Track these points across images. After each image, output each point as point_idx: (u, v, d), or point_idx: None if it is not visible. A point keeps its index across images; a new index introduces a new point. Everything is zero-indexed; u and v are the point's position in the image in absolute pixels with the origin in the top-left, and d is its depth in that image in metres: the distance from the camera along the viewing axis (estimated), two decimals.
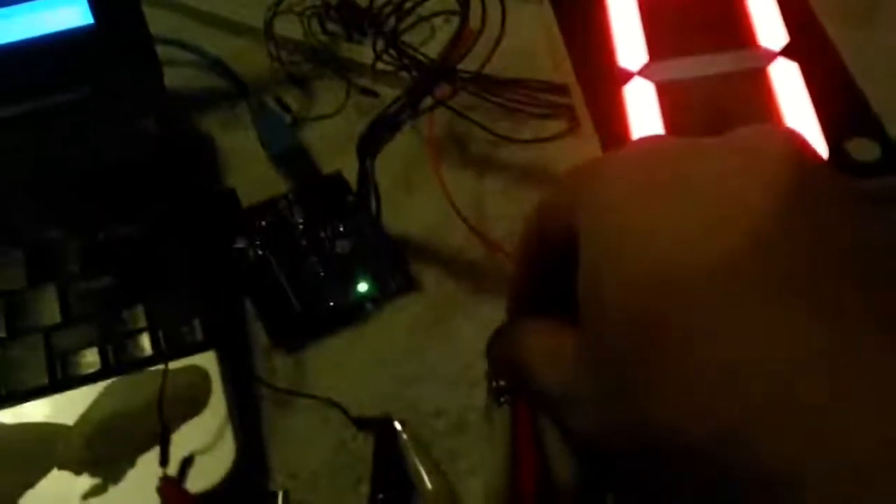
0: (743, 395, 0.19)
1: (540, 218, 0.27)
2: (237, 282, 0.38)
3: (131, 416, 0.33)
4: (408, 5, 0.36)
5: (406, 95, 0.34)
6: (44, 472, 0.32)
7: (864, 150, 0.37)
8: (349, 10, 0.46)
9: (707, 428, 0.19)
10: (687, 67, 0.40)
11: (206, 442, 0.33)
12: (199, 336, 0.35)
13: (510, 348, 0.28)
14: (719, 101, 0.39)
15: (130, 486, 0.32)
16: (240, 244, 0.39)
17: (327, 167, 0.42)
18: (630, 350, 0.21)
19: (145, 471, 0.32)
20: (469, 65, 0.36)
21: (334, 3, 0.47)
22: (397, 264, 0.39)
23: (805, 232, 0.20)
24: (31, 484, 0.32)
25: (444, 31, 0.45)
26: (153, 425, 0.32)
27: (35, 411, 0.34)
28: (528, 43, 0.45)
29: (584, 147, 0.40)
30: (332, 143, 0.43)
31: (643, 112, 0.38)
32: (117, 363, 0.35)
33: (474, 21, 0.34)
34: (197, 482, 0.32)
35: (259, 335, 0.37)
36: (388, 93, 0.44)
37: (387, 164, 0.39)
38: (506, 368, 0.30)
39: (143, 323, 0.36)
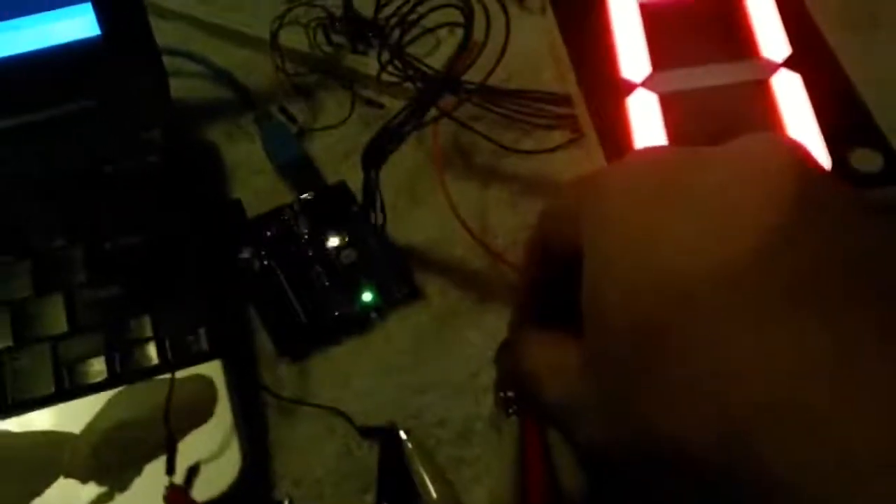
0: (745, 402, 0.19)
1: (542, 229, 0.27)
2: (243, 291, 0.39)
3: (138, 425, 0.33)
4: (412, 17, 0.36)
5: (411, 106, 0.34)
6: (50, 480, 0.32)
7: (866, 160, 0.37)
8: (354, 22, 0.47)
9: (709, 435, 0.19)
10: (690, 78, 0.40)
11: (212, 450, 0.33)
12: (205, 345, 0.35)
13: (515, 359, 0.28)
14: (722, 111, 0.39)
15: (137, 494, 0.32)
16: (245, 254, 0.39)
17: (332, 177, 0.43)
18: (632, 359, 0.21)
19: (152, 479, 0.32)
20: (473, 76, 0.37)
21: (339, 15, 0.47)
22: (402, 274, 0.39)
23: (807, 241, 0.20)
24: (37, 492, 0.32)
25: (449, 43, 0.46)
26: (159, 434, 0.32)
27: (42, 420, 0.34)
28: (531, 54, 0.45)
29: (588, 157, 0.40)
30: (336, 153, 0.44)
31: (646, 123, 0.38)
32: (124, 372, 0.35)
33: (478, 32, 0.35)
34: (203, 491, 0.32)
35: (264, 344, 0.37)
36: (393, 104, 0.45)
37: (391, 175, 0.39)
38: (513, 379, 0.30)
39: (149, 332, 0.36)
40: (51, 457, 0.33)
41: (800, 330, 0.19)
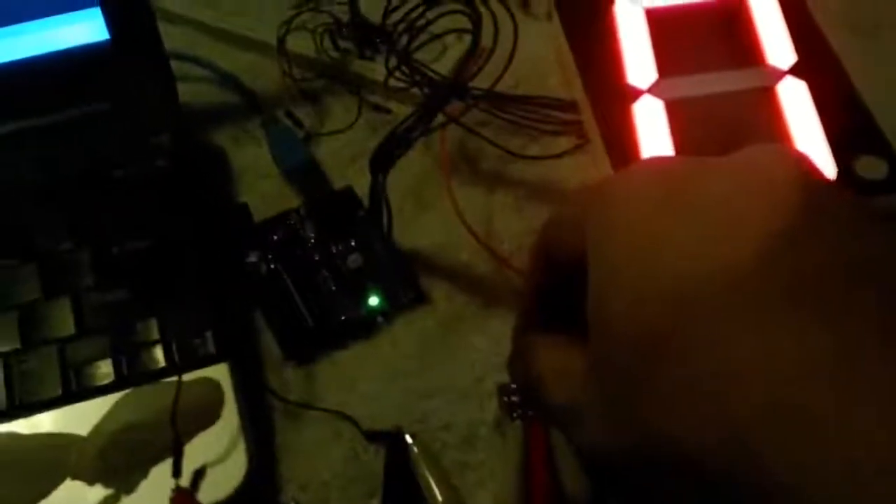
0: (745, 403, 0.19)
1: (547, 236, 0.27)
2: (249, 295, 0.39)
3: (144, 428, 0.33)
4: (420, 23, 0.37)
5: (419, 112, 0.34)
6: (57, 482, 0.33)
7: (871, 168, 0.37)
8: (361, 28, 0.47)
9: (709, 436, 0.20)
10: (696, 85, 0.40)
11: (218, 453, 0.33)
12: (212, 348, 0.36)
13: (522, 362, 0.29)
14: (728, 119, 0.39)
15: (143, 496, 0.32)
16: (252, 258, 0.40)
17: (339, 182, 0.43)
18: (635, 365, 0.21)
19: (158, 482, 0.32)
20: (480, 82, 0.37)
21: (346, 20, 0.47)
22: (408, 279, 0.39)
23: (810, 246, 0.20)
24: (44, 494, 0.32)
25: (456, 49, 0.46)
26: (166, 437, 0.32)
27: (49, 422, 0.34)
28: (538, 60, 0.45)
29: (594, 163, 0.41)
30: (343, 158, 0.44)
31: (652, 129, 0.38)
32: (131, 375, 0.35)
33: (486, 39, 0.35)
34: (209, 493, 0.32)
35: (271, 348, 0.38)
36: (400, 109, 0.45)
37: (398, 180, 0.39)
38: (519, 384, 0.31)
39: (156, 335, 0.36)
40: (58, 459, 0.33)
41: (801, 331, 0.19)
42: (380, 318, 0.38)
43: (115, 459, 0.33)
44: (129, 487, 0.32)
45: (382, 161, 0.36)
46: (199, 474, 0.33)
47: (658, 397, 0.21)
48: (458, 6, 0.34)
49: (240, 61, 0.48)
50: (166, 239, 0.39)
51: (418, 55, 0.43)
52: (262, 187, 0.43)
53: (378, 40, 0.47)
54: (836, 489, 0.18)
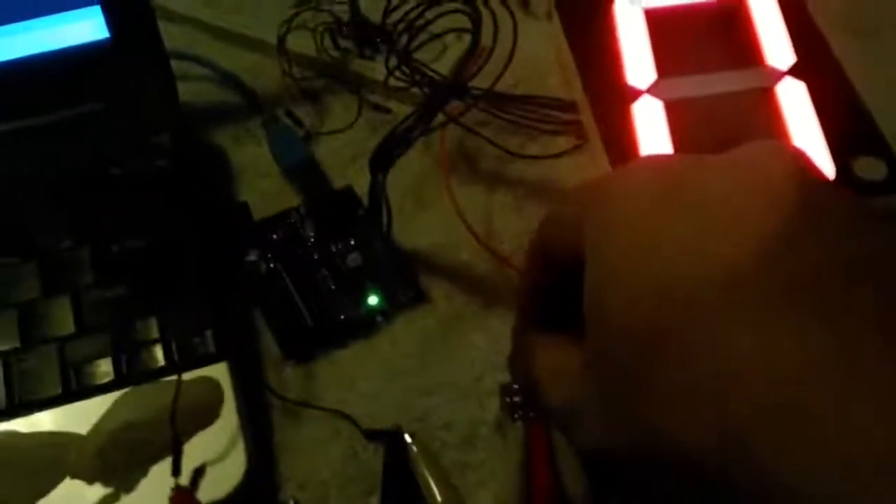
0: (745, 404, 0.19)
1: (544, 234, 0.27)
2: (249, 294, 0.39)
3: (144, 427, 0.33)
4: (420, 23, 0.37)
5: (419, 112, 0.34)
6: (56, 480, 0.33)
7: (870, 168, 0.37)
8: (361, 27, 0.47)
9: (709, 437, 0.20)
10: (695, 86, 0.40)
11: (217, 452, 0.33)
12: (212, 347, 0.36)
13: (521, 362, 0.29)
14: (727, 119, 0.39)
15: (143, 495, 0.32)
16: (252, 257, 0.40)
17: (338, 181, 0.43)
18: (633, 363, 0.21)
19: (157, 481, 0.32)
20: (479, 81, 0.37)
21: (347, 19, 0.47)
22: (407, 278, 0.39)
23: (809, 245, 0.20)
24: (43, 493, 0.32)
25: (456, 48, 0.46)
26: (165, 435, 0.32)
27: (48, 420, 0.34)
28: (537, 60, 0.45)
29: (593, 163, 0.41)
30: (343, 157, 0.44)
31: (651, 129, 0.39)
32: (130, 373, 0.35)
33: (485, 38, 0.35)
34: (209, 492, 0.32)
35: (270, 347, 0.38)
36: (400, 108, 0.45)
37: (398, 179, 0.39)
38: (521, 384, 0.31)
39: (155, 334, 0.36)
40: (57, 457, 0.33)
41: (800, 331, 0.19)
42: (379, 318, 0.38)
43: (114, 458, 0.33)
44: (129, 486, 0.32)
45: (382, 160, 0.36)
46: (198, 473, 0.33)
47: (657, 397, 0.21)
48: (458, 6, 0.34)
49: (240, 60, 0.48)
50: (166, 237, 0.39)
51: (418, 55, 0.43)
52: (262, 186, 0.43)
53: (378, 40, 0.47)
54: (835, 489, 0.18)
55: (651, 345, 0.21)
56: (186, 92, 0.44)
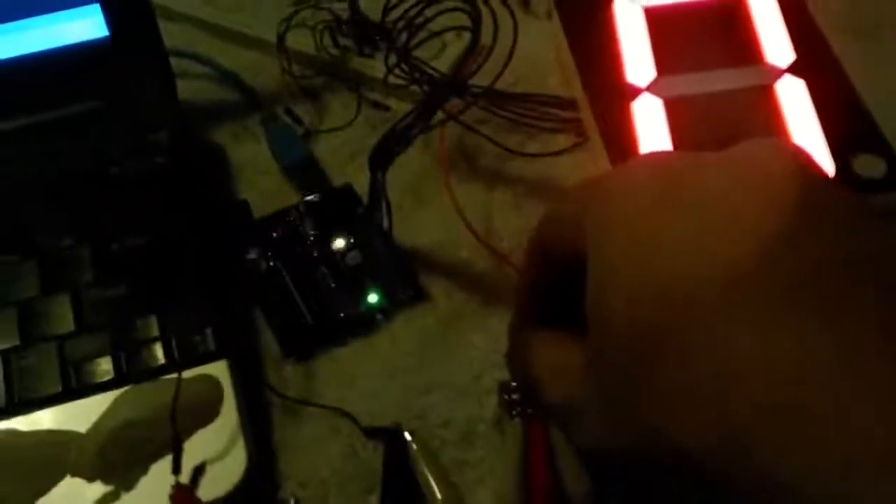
0: (745, 405, 0.19)
1: (543, 233, 0.27)
2: (248, 292, 0.39)
3: (144, 425, 0.33)
4: (419, 21, 0.37)
5: (418, 109, 0.34)
6: (56, 479, 0.33)
7: (869, 166, 0.37)
8: (361, 25, 0.47)
9: (709, 438, 0.20)
10: (695, 83, 0.40)
11: (217, 450, 0.33)
12: (212, 345, 0.36)
13: (520, 359, 0.29)
14: (726, 116, 0.39)
15: (143, 493, 0.32)
16: (251, 255, 0.40)
17: (338, 179, 0.43)
18: (634, 363, 0.21)
19: (158, 479, 0.32)
20: (479, 79, 0.37)
21: (346, 17, 0.47)
22: (407, 276, 0.39)
23: (809, 244, 0.20)
24: (43, 491, 0.32)
25: (455, 46, 0.46)
26: (165, 434, 0.32)
27: (48, 419, 0.34)
28: (537, 58, 0.45)
29: (593, 161, 0.41)
30: (342, 155, 0.44)
31: (651, 127, 0.39)
32: (130, 372, 0.35)
33: (485, 37, 0.35)
34: (209, 490, 0.32)
35: (270, 345, 0.38)
36: (400, 106, 0.45)
37: (397, 177, 0.39)
38: (519, 381, 0.31)
39: (155, 332, 0.36)
40: (57, 456, 0.33)
41: (800, 331, 0.19)
42: (379, 316, 0.38)
43: (114, 456, 0.33)
44: (129, 484, 0.32)
45: (382, 158, 0.36)
46: (198, 471, 0.33)
47: (657, 396, 0.21)
48: (458, 4, 0.34)
49: (239, 58, 0.48)
50: (166, 236, 0.39)
51: (417, 52, 0.43)
52: (262, 184, 0.43)
53: (377, 37, 0.47)
54: (836, 489, 0.18)
55: (651, 345, 0.21)
56: (186, 90, 0.44)
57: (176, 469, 0.32)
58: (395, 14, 0.42)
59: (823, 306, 0.20)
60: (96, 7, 0.41)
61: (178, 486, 0.32)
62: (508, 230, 0.40)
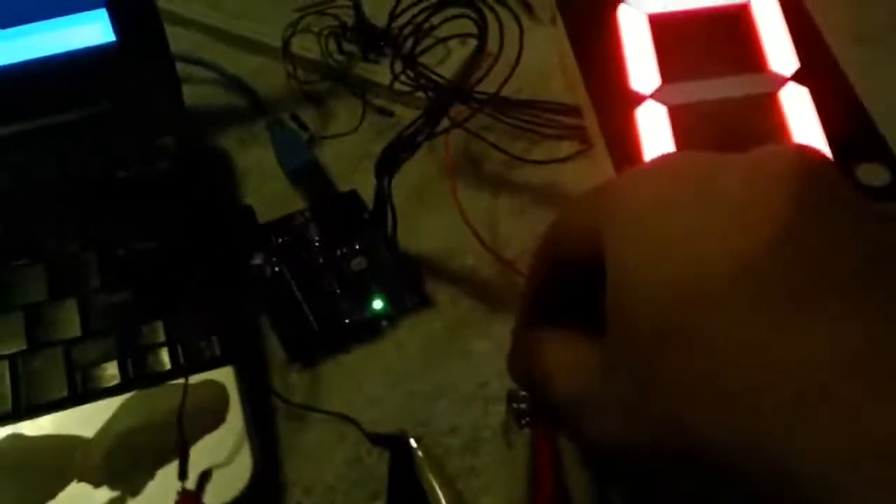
0: (772, 399, 0.19)
1: (556, 234, 0.28)
2: (254, 298, 0.39)
3: (150, 430, 0.33)
4: (425, 27, 0.37)
5: (424, 117, 0.34)
6: (63, 484, 0.33)
7: (873, 175, 0.37)
8: (366, 31, 0.47)
9: (729, 424, 0.20)
10: (699, 91, 0.40)
11: (223, 456, 0.33)
12: (217, 351, 0.36)
13: (526, 359, 0.29)
14: (730, 124, 0.39)
15: (149, 499, 0.32)
16: (257, 260, 0.40)
17: (343, 185, 0.43)
18: (654, 357, 0.22)
19: (164, 484, 0.32)
20: (483, 86, 0.37)
21: (351, 23, 0.47)
22: (412, 282, 0.39)
23: (826, 239, 0.21)
24: (50, 496, 0.32)
25: (459, 53, 0.46)
26: (172, 439, 0.32)
27: (55, 423, 0.34)
28: (542, 65, 0.45)
29: (597, 168, 0.41)
30: (347, 161, 0.44)
31: (655, 134, 0.39)
32: (136, 377, 0.35)
33: (490, 44, 0.35)
34: (215, 496, 0.32)
35: (275, 351, 0.38)
36: (405, 112, 0.45)
37: (402, 183, 0.39)
38: (522, 380, 0.31)
39: (162, 337, 0.36)
40: (63, 460, 0.33)
41: (825, 322, 0.20)
42: (384, 322, 0.38)
43: (120, 461, 0.33)
44: (135, 490, 0.32)
45: (388, 164, 0.36)
46: (204, 477, 0.33)
47: (678, 388, 0.21)
48: (464, 11, 0.34)
49: (245, 64, 0.48)
50: (172, 241, 0.39)
51: (423, 59, 0.43)
52: (267, 189, 0.43)
53: (382, 44, 0.47)
54: (863, 482, 0.18)
55: (671, 339, 0.21)
56: (192, 95, 0.45)
57: (182, 474, 0.32)
58: (400, 20, 0.42)
59: (845, 299, 0.20)
60: (103, 12, 0.41)
61: (184, 492, 0.32)
62: (513, 236, 0.41)
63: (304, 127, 0.45)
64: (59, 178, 0.41)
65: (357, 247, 0.40)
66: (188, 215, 0.40)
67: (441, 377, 0.37)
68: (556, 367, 0.26)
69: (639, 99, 0.40)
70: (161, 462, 0.33)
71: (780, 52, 0.41)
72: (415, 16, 0.36)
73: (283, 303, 0.38)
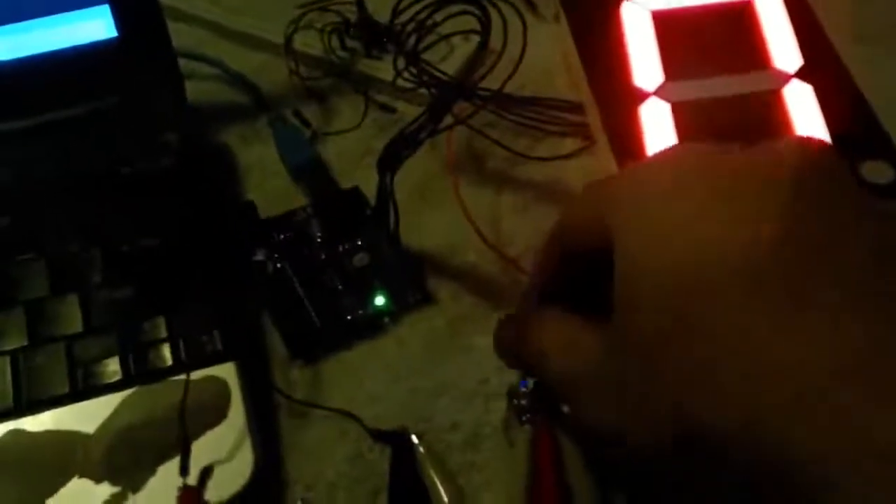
0: (771, 398, 0.19)
1: (564, 226, 0.28)
2: (256, 294, 0.39)
3: (152, 426, 0.33)
4: (428, 23, 0.37)
5: (427, 113, 0.34)
6: (64, 480, 0.33)
7: (877, 172, 0.37)
8: (369, 27, 0.47)
9: (727, 413, 0.20)
10: (702, 88, 0.40)
11: (225, 452, 0.33)
12: (219, 347, 0.36)
13: (522, 336, 0.29)
14: (734, 121, 0.39)
15: (150, 495, 0.32)
16: (259, 257, 0.40)
17: (345, 181, 0.43)
18: (658, 343, 0.22)
19: (165, 480, 0.32)
20: (486, 83, 0.37)
21: (354, 20, 0.47)
22: (414, 279, 0.39)
23: (827, 227, 0.21)
24: (51, 492, 0.32)
25: (462, 50, 0.46)
26: (173, 435, 0.32)
27: (56, 419, 0.34)
28: (545, 62, 0.45)
29: (600, 165, 0.41)
30: (350, 157, 0.44)
31: (659, 131, 0.39)
32: (138, 373, 0.35)
33: (493, 40, 0.35)
34: (216, 492, 0.32)
35: (277, 347, 0.38)
36: (407, 109, 0.45)
37: (405, 180, 0.39)
38: (514, 357, 0.31)
39: (163, 333, 0.36)
40: (64, 456, 0.33)
41: (828, 320, 0.20)
42: (386, 318, 0.38)
43: (122, 457, 0.33)
44: (136, 485, 0.32)
45: (390, 161, 0.36)
46: (205, 473, 0.33)
47: (679, 373, 0.21)
48: (467, 7, 0.34)
49: (247, 60, 0.48)
50: (174, 237, 0.39)
51: (425, 55, 0.43)
52: (269, 186, 0.43)
53: (385, 40, 0.47)
54: (857, 475, 0.18)
55: (675, 326, 0.21)
56: (194, 91, 0.45)
57: (184, 470, 0.32)
58: (403, 17, 0.42)
59: (846, 297, 0.20)
60: (106, 8, 0.41)
61: (185, 488, 0.32)
62: (516, 233, 0.40)
63: (306, 123, 0.45)
64: (62, 174, 0.41)
65: (359, 243, 0.40)
66: (190, 211, 0.40)
67: (442, 374, 0.37)
68: (555, 343, 0.27)
69: (642, 96, 0.40)
70: (162, 458, 0.33)
71: (784, 49, 0.41)
72: (418, 12, 0.36)
73: (285, 299, 0.38)
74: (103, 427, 0.33)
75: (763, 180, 0.22)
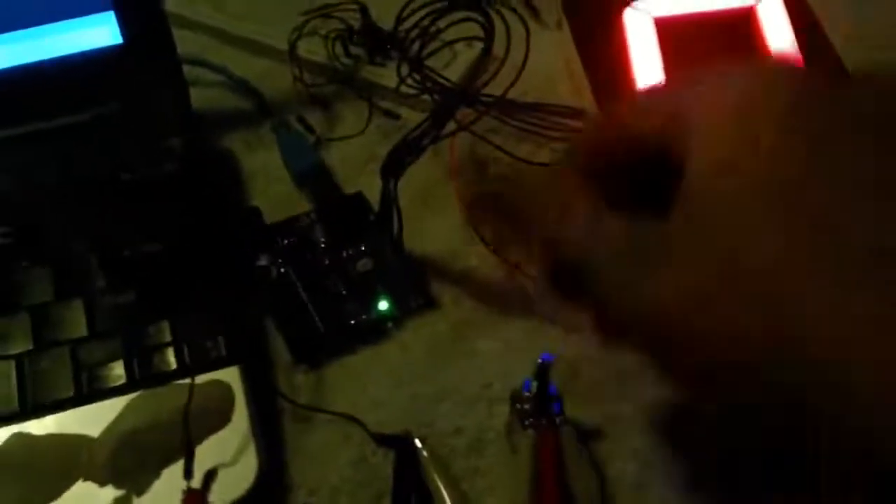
0: (794, 296, 0.21)
1: (631, 115, 0.28)
2: (260, 298, 0.39)
3: (156, 429, 0.33)
4: (432, 30, 0.37)
5: (430, 120, 0.34)
6: (69, 483, 0.33)
7: None
8: (372, 34, 0.47)
9: (750, 314, 0.21)
10: None
11: (229, 456, 0.33)
12: (223, 351, 0.36)
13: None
14: None
15: (154, 498, 0.32)
16: (263, 262, 0.40)
17: (349, 187, 0.43)
18: (713, 247, 0.23)
19: (169, 483, 0.32)
20: (489, 89, 0.37)
21: (357, 26, 0.48)
22: (417, 284, 0.39)
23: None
24: (56, 495, 0.32)
25: (465, 56, 0.46)
26: (177, 438, 0.33)
27: (61, 423, 0.34)
28: (548, 68, 0.45)
29: None
30: (353, 163, 0.44)
31: None
32: (142, 377, 0.35)
33: (496, 47, 0.35)
34: (220, 496, 0.32)
35: (281, 351, 0.38)
36: (410, 115, 0.45)
37: (408, 185, 0.39)
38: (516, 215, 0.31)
39: (168, 337, 0.36)
40: (69, 460, 0.33)
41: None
42: (389, 323, 0.38)
43: (126, 461, 0.33)
44: (141, 489, 0.33)
45: (394, 167, 0.36)
46: (210, 476, 0.33)
47: (710, 271, 0.22)
48: (471, 14, 0.34)
49: (251, 66, 0.48)
50: (178, 242, 0.39)
51: (429, 62, 0.43)
52: (273, 191, 0.43)
53: (388, 47, 0.47)
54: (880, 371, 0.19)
55: (729, 233, 0.22)
56: (198, 97, 0.45)
57: (188, 474, 0.32)
58: (407, 24, 0.43)
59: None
60: (111, 15, 0.41)
61: (189, 491, 0.32)
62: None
63: (310, 129, 0.45)
64: (67, 180, 0.41)
65: (362, 248, 0.40)
66: (194, 217, 0.40)
67: (445, 378, 0.37)
68: (612, 228, 0.26)
69: None
70: (166, 461, 0.33)
71: (785, 55, 0.41)
72: (421, 19, 0.36)
73: (289, 304, 0.39)
74: (108, 430, 0.34)
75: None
